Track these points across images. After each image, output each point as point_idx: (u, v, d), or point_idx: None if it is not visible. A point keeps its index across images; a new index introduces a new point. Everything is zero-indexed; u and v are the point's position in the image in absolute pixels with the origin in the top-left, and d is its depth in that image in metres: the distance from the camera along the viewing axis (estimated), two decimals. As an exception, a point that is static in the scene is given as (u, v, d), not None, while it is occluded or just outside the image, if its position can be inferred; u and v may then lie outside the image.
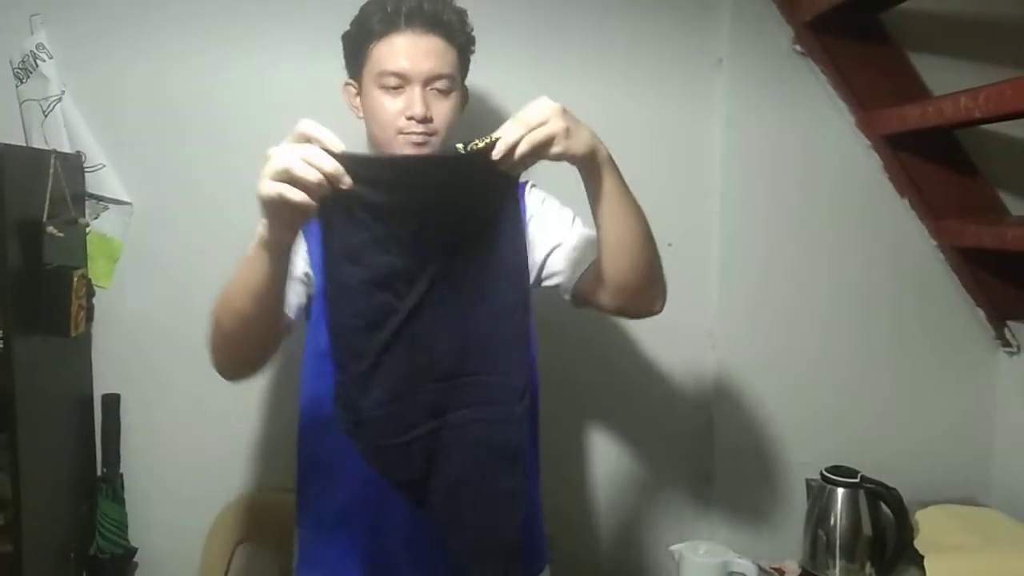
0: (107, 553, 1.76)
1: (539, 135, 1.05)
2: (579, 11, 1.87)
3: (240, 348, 1.19)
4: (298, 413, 1.39)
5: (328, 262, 1.06)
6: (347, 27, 1.35)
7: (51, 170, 1.59)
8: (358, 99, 1.36)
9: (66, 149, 1.70)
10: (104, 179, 1.76)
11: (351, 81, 1.37)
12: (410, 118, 1.27)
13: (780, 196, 1.97)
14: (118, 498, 1.79)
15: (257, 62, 1.78)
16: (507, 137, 1.04)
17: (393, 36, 1.27)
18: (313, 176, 0.95)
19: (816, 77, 1.93)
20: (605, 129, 1.89)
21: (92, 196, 1.77)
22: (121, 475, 1.81)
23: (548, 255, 1.35)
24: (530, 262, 1.31)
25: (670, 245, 1.86)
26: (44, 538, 1.60)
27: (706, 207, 1.96)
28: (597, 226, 1.21)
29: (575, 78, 1.86)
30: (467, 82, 1.40)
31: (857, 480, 1.68)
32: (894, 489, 1.67)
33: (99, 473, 1.81)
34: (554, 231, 1.36)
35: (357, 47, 1.32)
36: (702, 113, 1.94)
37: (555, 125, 1.06)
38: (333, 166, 0.96)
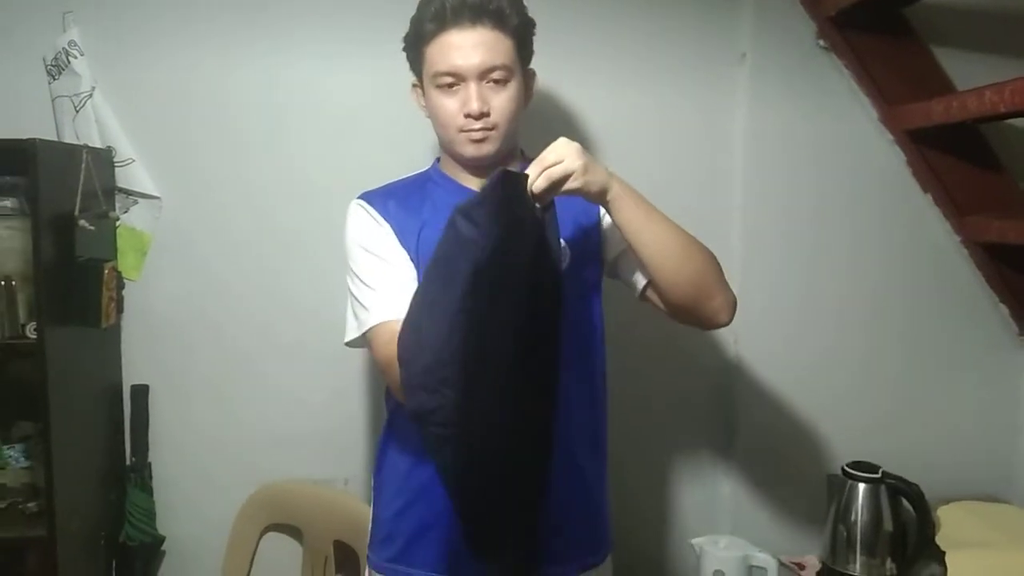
0: (135, 541, 1.80)
1: (556, 172, 1.12)
2: (600, 6, 1.88)
3: None
4: (389, 403, 1.41)
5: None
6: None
7: (83, 165, 1.62)
8: (424, 100, 1.36)
9: (97, 144, 1.74)
10: (134, 174, 1.79)
11: (416, 83, 1.38)
12: (468, 115, 1.28)
13: (802, 191, 1.97)
14: (146, 487, 1.83)
15: (286, 59, 1.80)
16: (530, 179, 1.11)
17: (442, 35, 1.27)
18: None
19: (839, 72, 1.93)
20: (627, 124, 1.91)
21: (122, 190, 1.80)
22: (149, 464, 1.84)
23: (620, 253, 1.35)
24: (606, 256, 1.38)
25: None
26: (75, 525, 1.63)
27: (728, 202, 1.96)
28: (636, 252, 1.24)
29: (597, 74, 1.88)
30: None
31: (879, 476, 1.67)
32: (915, 485, 1.66)
33: (128, 462, 1.84)
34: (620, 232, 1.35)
35: (414, 50, 1.33)
36: (725, 108, 1.94)
37: (571, 163, 1.13)
38: None
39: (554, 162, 1.13)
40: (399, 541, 1.35)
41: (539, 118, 1.84)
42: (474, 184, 1.38)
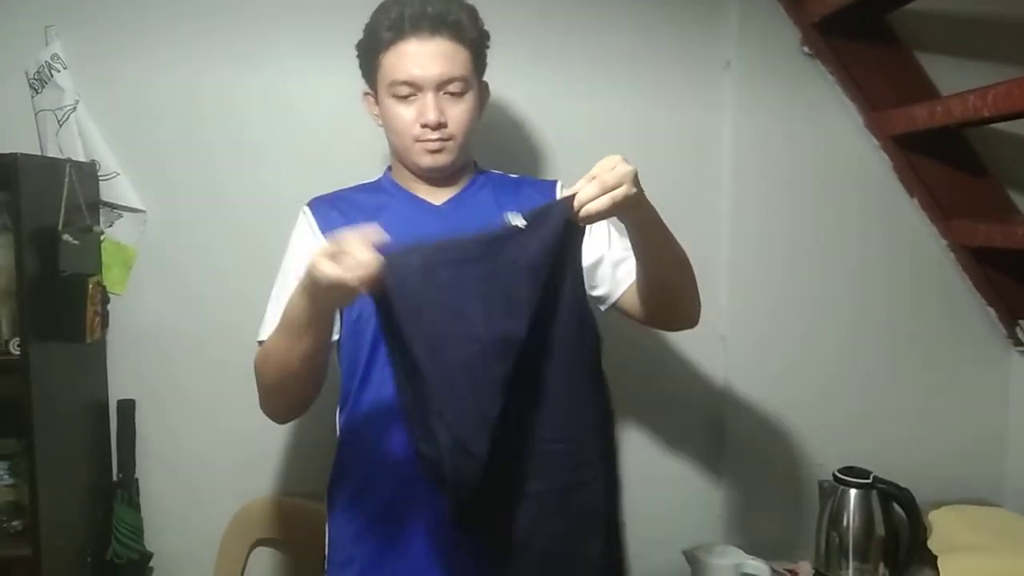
0: (123, 558, 1.77)
1: (619, 195, 1.04)
2: (586, 14, 1.88)
3: (294, 397, 1.25)
4: (341, 415, 1.39)
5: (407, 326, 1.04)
6: (359, 33, 1.36)
7: (66, 179, 1.61)
8: (377, 108, 1.36)
9: (80, 158, 1.72)
10: (118, 187, 1.77)
11: (369, 91, 1.37)
12: (424, 125, 1.28)
13: (789, 198, 1.97)
14: (133, 503, 1.81)
15: (270, 70, 1.79)
16: (583, 195, 1.04)
17: (400, 44, 1.26)
18: (357, 273, 0.98)
19: (824, 78, 1.94)
20: (613, 132, 1.91)
21: (106, 204, 1.78)
22: (136, 480, 1.82)
23: (590, 266, 1.35)
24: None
25: (679, 247, 1.87)
26: (61, 543, 1.61)
27: (715, 209, 1.97)
28: (639, 264, 1.25)
29: (582, 82, 1.88)
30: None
31: (870, 481, 1.67)
32: (907, 490, 1.67)
33: (115, 478, 1.82)
34: (595, 243, 1.36)
35: (369, 58, 1.33)
36: (710, 115, 1.95)
37: (630, 189, 1.06)
38: (372, 261, 0.98)
39: (615, 185, 1.04)
40: (360, 564, 1.31)
41: (527, 126, 1.85)
42: (426, 193, 1.37)
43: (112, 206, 1.79)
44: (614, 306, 1.38)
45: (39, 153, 1.72)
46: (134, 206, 1.79)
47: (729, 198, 1.95)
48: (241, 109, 1.80)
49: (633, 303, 1.35)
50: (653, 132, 1.91)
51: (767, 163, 1.96)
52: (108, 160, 1.76)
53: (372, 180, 1.45)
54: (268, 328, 1.29)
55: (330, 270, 0.99)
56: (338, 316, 1.31)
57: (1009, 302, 2.03)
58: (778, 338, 2.00)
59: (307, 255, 1.27)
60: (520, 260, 1.04)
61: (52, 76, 1.71)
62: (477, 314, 1.02)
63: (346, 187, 1.43)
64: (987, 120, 1.71)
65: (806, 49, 1.92)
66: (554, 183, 1.45)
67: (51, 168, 1.62)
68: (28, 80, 1.73)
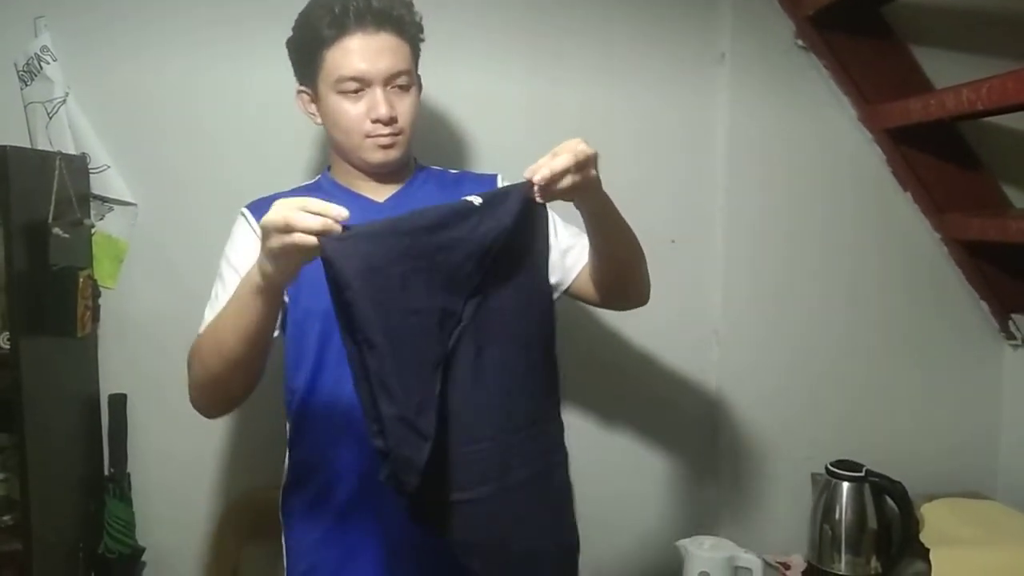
0: (115, 552, 1.77)
1: (579, 176, 1.06)
2: (580, 7, 1.87)
3: (228, 388, 1.20)
4: (289, 419, 1.37)
5: (359, 310, 0.98)
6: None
7: (56, 172, 1.60)
8: (313, 106, 1.34)
9: (71, 151, 1.71)
10: (109, 180, 1.76)
11: (304, 88, 1.35)
12: (375, 120, 1.26)
13: (782, 190, 1.97)
14: (125, 497, 1.80)
15: (262, 63, 1.77)
16: (544, 169, 1.03)
17: (345, 39, 1.25)
18: (313, 222, 0.94)
19: (818, 71, 1.93)
20: (607, 125, 1.91)
21: (97, 197, 1.77)
22: (128, 475, 1.81)
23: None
24: None
25: (673, 241, 1.87)
26: (52, 537, 1.61)
27: (709, 202, 1.96)
28: (594, 250, 1.27)
29: (576, 74, 1.87)
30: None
31: (862, 474, 1.68)
32: (899, 483, 1.67)
33: (106, 473, 1.81)
34: None
35: (308, 54, 1.30)
36: (704, 108, 1.94)
37: (590, 171, 1.08)
38: (327, 217, 0.94)
39: (576, 163, 1.05)
40: (322, 571, 1.29)
41: (519, 119, 1.84)
42: (368, 191, 1.36)
43: (103, 199, 1.78)
44: (566, 292, 1.38)
45: (29, 146, 1.71)
46: (125, 199, 1.78)
47: (723, 190, 1.95)
48: (234, 102, 1.79)
49: (586, 287, 1.35)
50: (647, 124, 1.91)
51: (761, 156, 1.95)
52: (98, 153, 1.75)
53: (310, 181, 1.44)
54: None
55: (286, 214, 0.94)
56: (281, 313, 1.25)
57: (1002, 296, 2.03)
58: (770, 332, 2.00)
59: (248, 260, 1.24)
60: (470, 237, 1.02)
61: (42, 68, 1.69)
62: (419, 285, 0.99)
63: (284, 190, 1.40)
64: (981, 114, 1.71)
65: (800, 42, 1.92)
66: (495, 176, 1.44)
67: (41, 161, 1.60)
68: (17, 72, 1.71)
